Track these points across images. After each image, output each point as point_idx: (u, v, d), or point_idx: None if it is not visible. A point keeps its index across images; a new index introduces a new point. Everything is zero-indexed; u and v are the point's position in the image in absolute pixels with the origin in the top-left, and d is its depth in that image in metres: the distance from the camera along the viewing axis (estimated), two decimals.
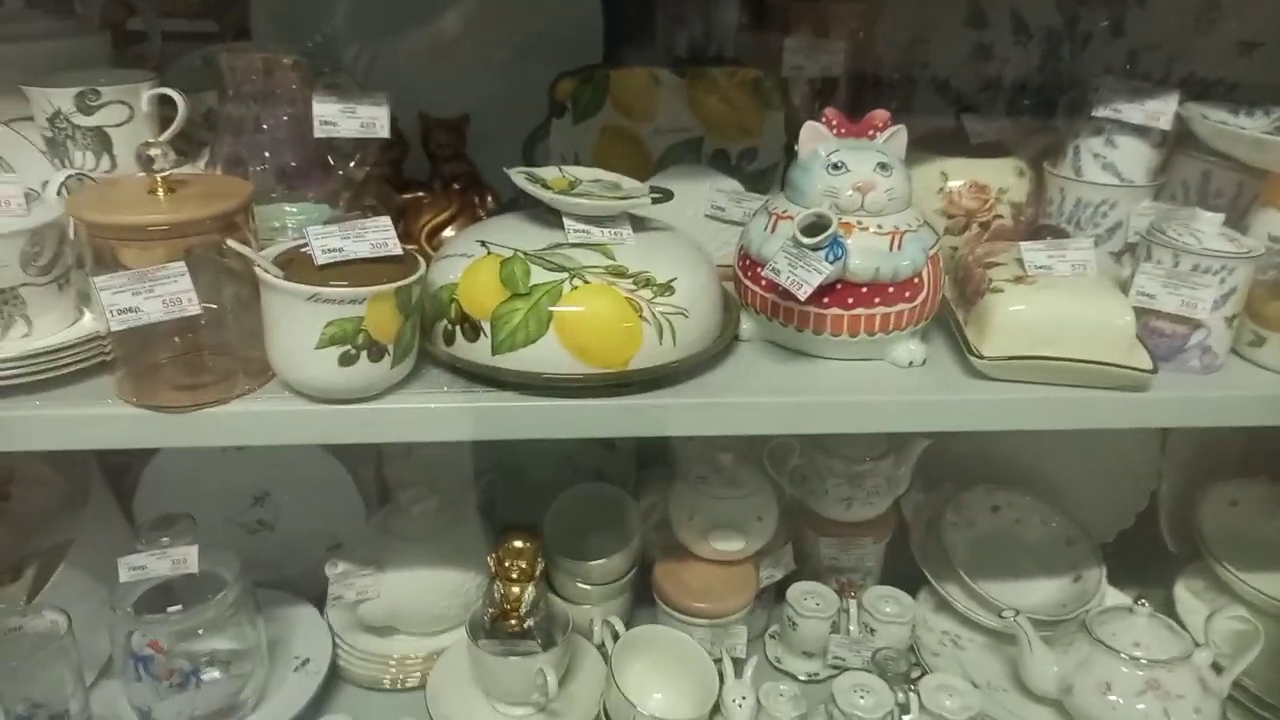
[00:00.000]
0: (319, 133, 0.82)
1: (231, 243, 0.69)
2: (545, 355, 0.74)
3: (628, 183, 0.86)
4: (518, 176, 0.82)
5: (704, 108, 1.03)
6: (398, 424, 0.74)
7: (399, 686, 1.05)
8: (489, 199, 1.00)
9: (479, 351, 0.76)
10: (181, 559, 0.89)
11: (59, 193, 0.76)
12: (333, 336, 0.69)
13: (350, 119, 0.83)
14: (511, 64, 1.09)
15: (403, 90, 0.87)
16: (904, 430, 0.79)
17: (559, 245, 0.78)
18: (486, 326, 0.75)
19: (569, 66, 1.04)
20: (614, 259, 0.77)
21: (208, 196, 0.71)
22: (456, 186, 0.99)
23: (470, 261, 0.78)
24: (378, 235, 0.71)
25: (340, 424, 0.73)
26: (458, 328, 0.77)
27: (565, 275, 0.75)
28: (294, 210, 0.87)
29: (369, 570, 1.03)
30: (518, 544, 0.95)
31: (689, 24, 1.08)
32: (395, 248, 0.72)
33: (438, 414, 0.74)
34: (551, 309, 0.74)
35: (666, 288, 0.77)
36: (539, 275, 0.75)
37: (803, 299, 0.75)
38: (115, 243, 0.69)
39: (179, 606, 0.91)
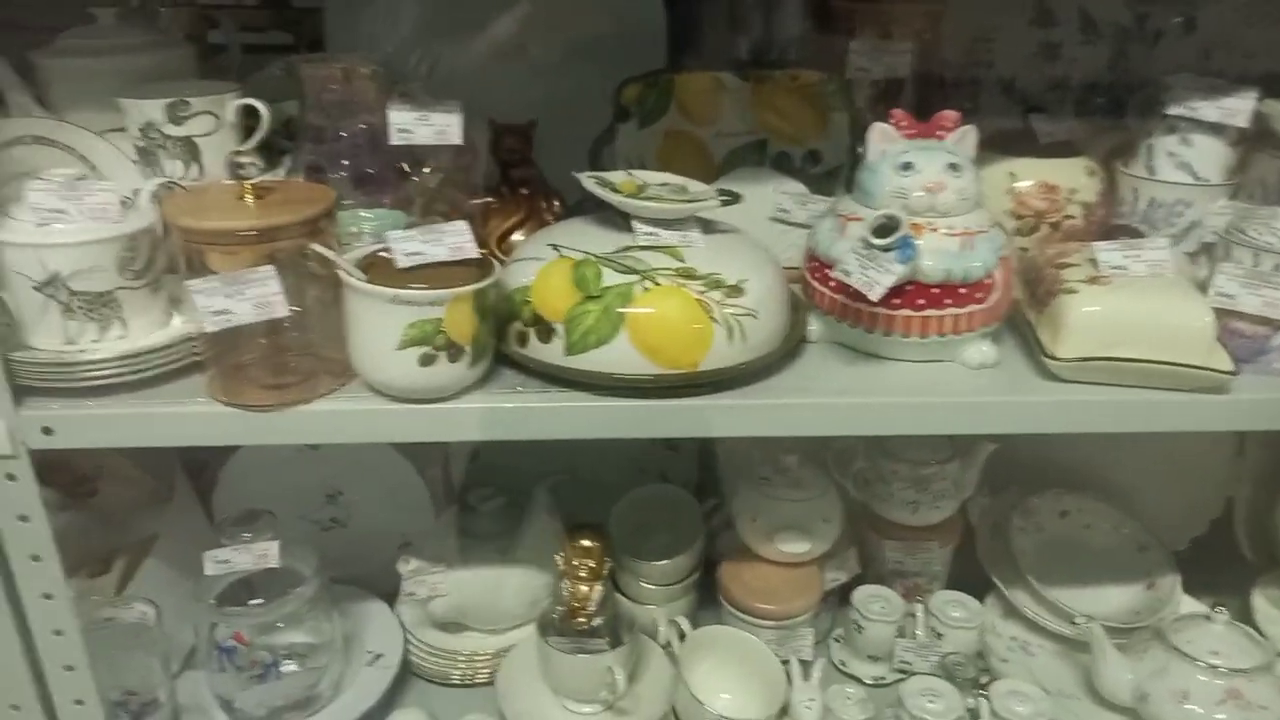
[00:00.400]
0: (395, 140, 0.84)
1: (316, 247, 0.71)
2: (617, 356, 0.75)
3: (695, 186, 0.87)
4: (588, 181, 0.84)
5: (767, 111, 1.03)
6: (475, 423, 0.76)
7: (468, 682, 1.07)
8: (555, 203, 1.02)
9: (552, 353, 0.77)
10: (263, 554, 0.92)
11: (151, 200, 0.79)
12: (413, 338, 0.72)
13: (425, 126, 0.85)
14: (574, 69, 1.11)
15: (468, 97, 0.89)
16: (977, 432, 0.78)
17: (629, 248, 0.80)
18: (560, 328, 0.76)
19: (632, 72, 1.05)
20: (684, 261, 0.78)
21: (293, 203, 0.74)
22: (524, 191, 1.00)
23: (542, 265, 0.80)
24: (455, 239, 0.73)
25: (420, 423, 0.75)
26: (531, 330, 0.78)
27: (636, 277, 0.76)
28: (369, 216, 0.89)
29: (440, 568, 1.05)
30: (586, 543, 0.96)
31: (751, 28, 1.08)
32: (472, 251, 0.74)
33: (513, 413, 0.76)
34: (623, 311, 0.75)
35: (736, 289, 0.78)
36: (610, 278, 0.77)
37: (874, 300, 0.75)
38: (205, 247, 0.72)
39: (260, 600, 0.94)
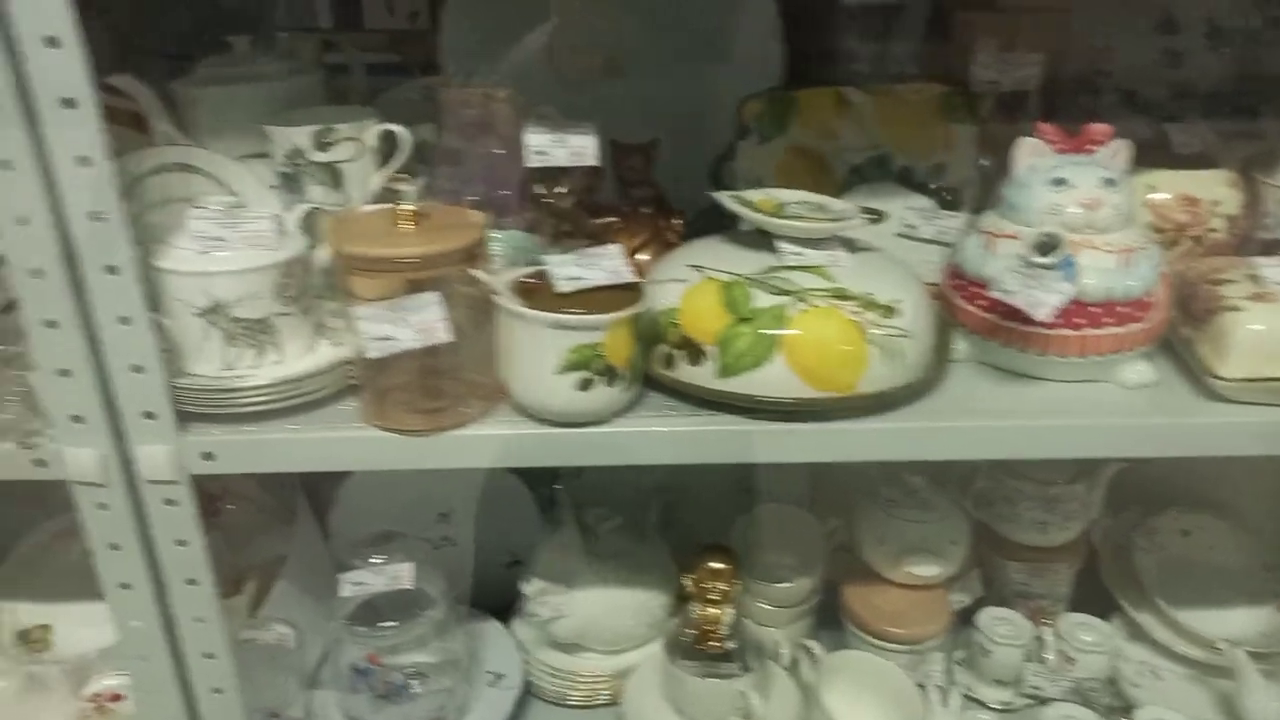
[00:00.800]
0: (531, 162, 0.84)
1: (476, 272, 0.71)
2: (772, 379, 0.74)
3: (834, 203, 0.86)
4: (729, 200, 0.83)
5: (890, 125, 1.02)
6: (629, 447, 0.75)
7: (589, 703, 1.07)
8: (676, 222, 1.01)
9: (702, 375, 0.76)
10: (397, 575, 0.93)
11: (299, 225, 0.79)
12: (573, 362, 0.71)
13: (560, 148, 0.85)
14: (687, 87, 1.10)
15: (583, 116, 0.89)
16: (1141, 455, 0.76)
17: (775, 268, 0.78)
18: (711, 350, 0.75)
19: (749, 89, 1.04)
20: (834, 281, 0.77)
21: (449, 228, 0.74)
22: (646, 211, 1.00)
23: (688, 286, 0.79)
24: (612, 263, 0.73)
25: (574, 447, 0.75)
26: (679, 352, 0.77)
27: (789, 299, 0.75)
28: (500, 238, 0.89)
29: (561, 588, 1.04)
30: (716, 565, 0.95)
31: (871, 41, 1.07)
32: (629, 274, 0.73)
33: (668, 438, 0.75)
34: (778, 333, 0.74)
35: (889, 310, 0.76)
36: (762, 299, 0.76)
37: (1041, 319, 0.73)
38: (366, 273, 0.72)
39: (390, 622, 0.94)
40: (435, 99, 0.86)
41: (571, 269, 0.72)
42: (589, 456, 0.75)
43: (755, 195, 0.86)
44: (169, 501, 0.76)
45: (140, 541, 0.78)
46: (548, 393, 0.73)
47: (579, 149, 0.85)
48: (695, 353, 0.76)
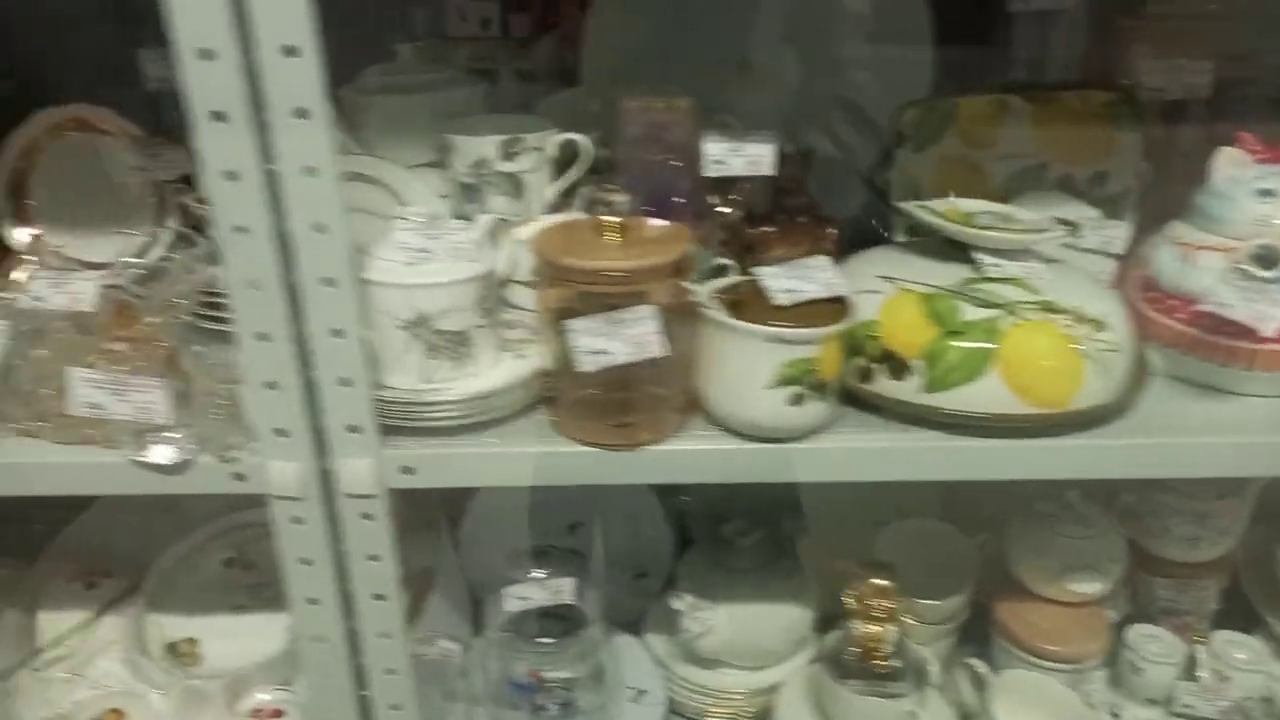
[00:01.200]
0: (710, 172, 0.83)
1: (688, 285, 0.70)
2: (983, 394, 0.73)
3: (1019, 213, 0.84)
4: (919, 211, 0.82)
5: (1051, 133, 1.00)
6: (836, 463, 0.74)
7: None
8: (831, 231, 0.99)
9: (906, 390, 0.75)
10: (559, 590, 0.91)
11: (489, 236, 0.78)
12: (786, 376, 0.70)
13: (738, 157, 0.84)
14: (836, 95, 1.09)
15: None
16: None
17: (972, 280, 0.77)
18: (916, 364, 0.74)
19: (899, 97, 1.02)
20: (1038, 294, 0.75)
21: (654, 240, 0.73)
22: (801, 220, 0.98)
23: (885, 299, 0.77)
24: (825, 275, 0.72)
25: (780, 463, 0.74)
26: (879, 365, 0.76)
27: (999, 312, 0.74)
28: None
29: (709, 604, 1.03)
30: (880, 582, 0.93)
31: (1027, 47, 1.05)
32: (843, 287, 0.72)
33: (876, 454, 0.74)
34: (992, 346, 0.72)
35: (1099, 323, 0.75)
36: (970, 312, 0.74)
37: (1268, 335, 0.71)
38: (573, 285, 0.70)
39: (537, 636, 0.93)
40: (612, 107, 0.85)
41: (785, 281, 0.70)
42: (793, 473, 0.74)
43: (940, 205, 0.84)
44: (365, 516, 0.75)
45: (332, 556, 0.76)
46: (757, 408, 0.71)
47: (756, 158, 0.84)
48: (898, 366, 0.75)
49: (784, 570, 1.07)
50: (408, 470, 0.74)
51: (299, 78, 0.61)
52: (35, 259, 0.80)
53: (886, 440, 0.74)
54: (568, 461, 0.74)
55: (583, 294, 0.71)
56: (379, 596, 0.78)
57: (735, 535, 1.08)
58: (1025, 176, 1.02)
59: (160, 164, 0.87)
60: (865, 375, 0.77)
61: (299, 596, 0.78)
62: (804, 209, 1.00)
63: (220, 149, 0.63)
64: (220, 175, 0.64)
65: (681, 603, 1.02)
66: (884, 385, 0.76)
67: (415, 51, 0.93)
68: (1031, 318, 0.73)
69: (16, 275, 0.81)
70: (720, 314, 0.70)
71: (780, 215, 1.00)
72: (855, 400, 0.78)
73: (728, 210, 0.88)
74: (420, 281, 0.71)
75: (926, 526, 1.11)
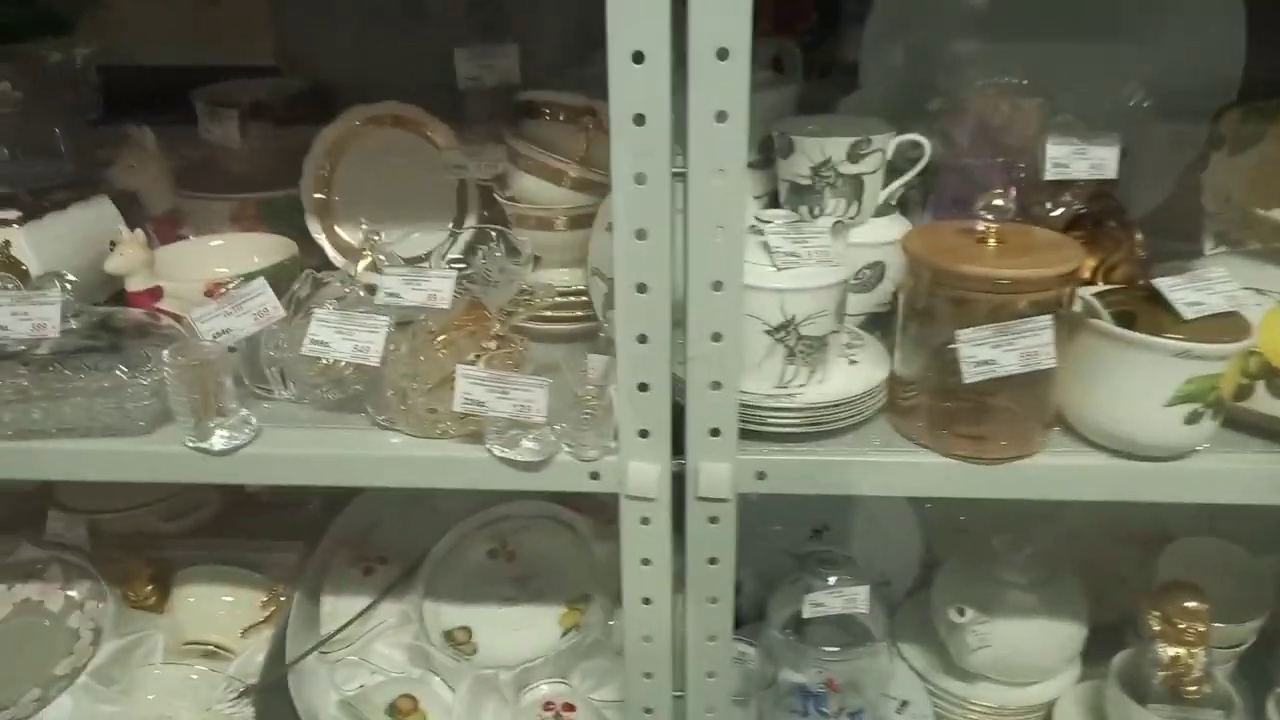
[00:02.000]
0: (1050, 175, 0.80)
1: (1086, 295, 0.67)
2: None
3: None
4: None
5: None
6: (1220, 485, 0.71)
7: None
8: (1138, 236, 0.95)
9: None
10: (854, 598, 0.90)
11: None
12: (1187, 394, 0.67)
13: (1081, 160, 0.80)
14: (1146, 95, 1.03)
15: None
16: None
17: None
18: None
19: (1209, 101, 0.97)
20: None
21: (1040, 247, 0.70)
22: (1111, 225, 0.94)
23: (1262, 311, 0.73)
24: (1225, 286, 0.68)
25: (1167, 483, 0.70)
26: (1259, 381, 0.72)
27: None
28: None
29: (986, 618, 1.00)
30: (1191, 604, 0.89)
31: None
32: (1245, 299, 0.68)
33: (1265, 476, 0.70)
34: None
35: None
36: None
37: None
38: (978, 294, 0.68)
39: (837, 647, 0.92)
40: (950, 106, 0.82)
41: (1188, 293, 0.67)
42: (1174, 493, 0.71)
43: None
44: (712, 519, 0.74)
45: (672, 557, 0.76)
46: (1149, 425, 0.68)
47: (1100, 161, 0.81)
48: None
49: (1058, 585, 1.03)
50: (761, 475, 0.73)
51: (726, 80, 0.60)
52: (374, 255, 0.81)
53: (1272, 462, 0.70)
54: (929, 474, 0.72)
55: (961, 301, 0.69)
56: (713, 600, 0.78)
57: (1006, 549, 1.05)
58: None
59: (481, 162, 0.88)
60: (1243, 392, 0.73)
61: (634, 596, 0.78)
62: (1110, 213, 0.96)
63: (634, 152, 0.62)
64: (630, 178, 0.63)
65: (963, 616, 0.99)
66: (1263, 402, 0.72)
67: None
68: None
69: (360, 269, 0.82)
70: (1116, 327, 0.67)
71: (1086, 220, 0.96)
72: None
73: (1058, 214, 0.85)
74: (793, 285, 0.70)
75: (1211, 546, 1.06)
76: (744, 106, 0.61)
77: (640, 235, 0.65)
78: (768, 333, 0.72)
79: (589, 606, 1.03)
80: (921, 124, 0.85)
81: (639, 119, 0.62)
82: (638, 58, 0.60)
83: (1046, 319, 0.66)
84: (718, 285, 0.66)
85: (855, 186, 0.81)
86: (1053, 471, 0.72)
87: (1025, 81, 0.87)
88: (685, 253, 0.66)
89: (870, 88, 1.04)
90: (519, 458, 0.72)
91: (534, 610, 1.05)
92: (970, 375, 0.67)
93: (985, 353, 0.67)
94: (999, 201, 0.69)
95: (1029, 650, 1.02)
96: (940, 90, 0.98)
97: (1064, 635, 1.02)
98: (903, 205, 0.90)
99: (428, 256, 0.91)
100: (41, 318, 0.73)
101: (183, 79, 1.12)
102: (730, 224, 0.65)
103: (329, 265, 1.01)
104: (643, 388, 0.70)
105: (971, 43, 1.03)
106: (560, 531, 1.11)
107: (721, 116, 0.61)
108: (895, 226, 0.84)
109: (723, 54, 0.60)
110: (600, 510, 1.09)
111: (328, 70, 1.14)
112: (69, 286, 0.75)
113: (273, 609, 1.04)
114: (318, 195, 0.99)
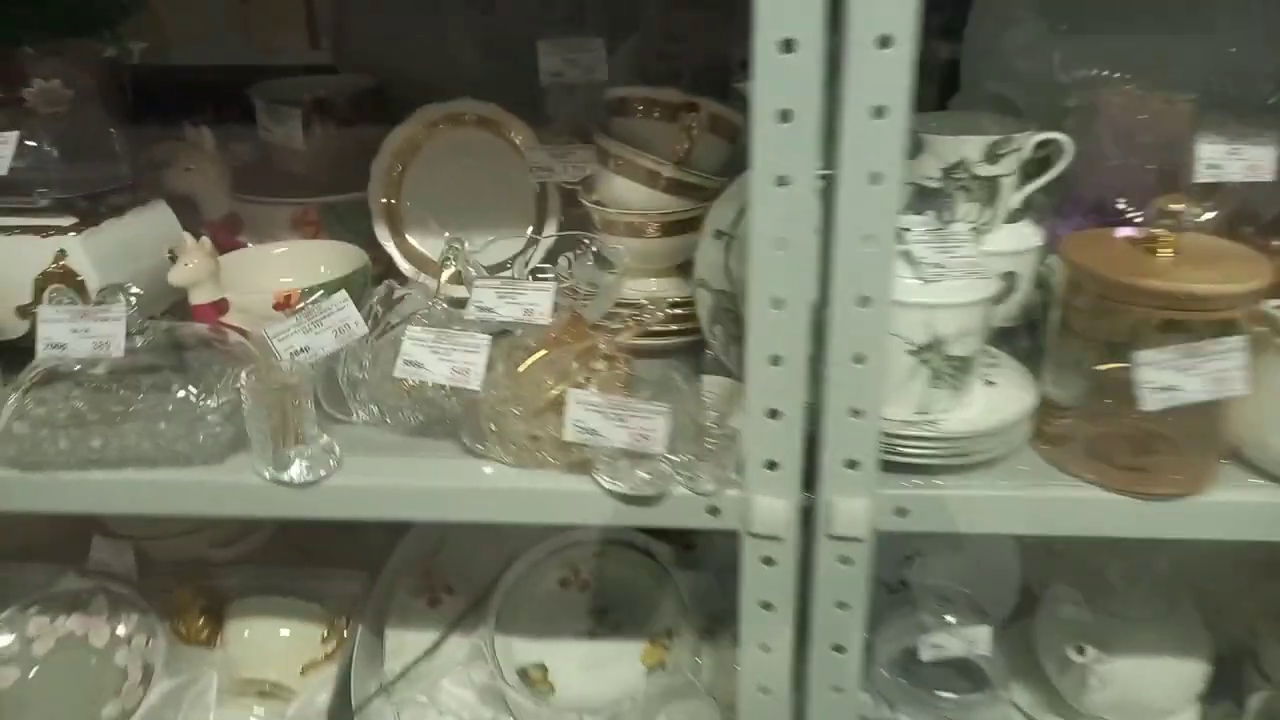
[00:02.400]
0: (1202, 177, 0.73)
1: (1269, 308, 0.60)
2: None
3: None
4: None
5: None
6: None
7: None
8: (1276, 243, 0.88)
9: None
10: (975, 640, 0.83)
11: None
12: None
13: (1235, 160, 0.73)
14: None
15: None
16: None
17: None
18: None
19: None
20: None
21: (1222, 259, 0.63)
22: (1247, 229, 0.87)
23: None
24: None
25: None
26: None
27: None
28: None
29: (1107, 658, 0.92)
30: None
31: None
32: None
33: None
34: None
35: None
36: None
37: None
38: (1164, 312, 0.61)
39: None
40: (1093, 104, 0.75)
41: None
42: None
43: None
44: (843, 560, 0.67)
45: (796, 601, 0.69)
46: None
47: (1256, 162, 0.73)
48: None
49: (1179, 618, 0.96)
50: (901, 512, 0.66)
51: (888, 71, 0.53)
52: (458, 265, 0.74)
53: None
54: (1092, 511, 0.65)
55: (1134, 318, 0.62)
56: (839, 649, 0.70)
57: (1120, 580, 0.97)
58: None
59: (569, 164, 0.81)
60: None
61: (752, 642, 0.71)
62: (1245, 219, 0.88)
63: (778, 151, 0.55)
64: (770, 181, 0.56)
65: (1083, 656, 0.92)
66: None
67: None
68: None
69: (443, 279, 0.75)
70: None
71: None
72: None
73: (1206, 219, 0.78)
74: (942, 300, 0.63)
75: None
76: (906, 102, 0.54)
77: (780, 245, 0.58)
78: (911, 353, 0.64)
79: (674, 642, 0.96)
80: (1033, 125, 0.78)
81: (784, 115, 0.54)
82: (787, 46, 0.53)
83: (1238, 339, 0.59)
84: (864, 301, 0.59)
85: (990, 190, 0.73)
86: (1237, 510, 0.64)
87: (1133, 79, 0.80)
88: (826, 265, 0.59)
89: (969, 89, 0.97)
90: (633, 491, 0.65)
91: (614, 646, 0.98)
92: (1151, 403, 0.60)
93: (1169, 377, 0.59)
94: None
95: (1152, 691, 0.94)
96: (1054, 89, 0.92)
97: (1187, 673, 0.94)
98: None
99: (510, 264, 0.84)
100: (104, 335, 0.67)
101: (216, 78, 1.06)
102: (882, 234, 0.57)
103: (393, 273, 0.94)
104: (773, 414, 0.63)
105: (1083, 40, 0.96)
106: (636, 558, 1.04)
107: (880, 112, 0.54)
108: (1029, 234, 0.77)
109: (885, 41, 0.52)
110: (675, 533, 1.02)
111: (388, 67, 1.07)
112: (133, 300, 0.68)
113: (334, 644, 0.97)
114: (386, 200, 0.92)
